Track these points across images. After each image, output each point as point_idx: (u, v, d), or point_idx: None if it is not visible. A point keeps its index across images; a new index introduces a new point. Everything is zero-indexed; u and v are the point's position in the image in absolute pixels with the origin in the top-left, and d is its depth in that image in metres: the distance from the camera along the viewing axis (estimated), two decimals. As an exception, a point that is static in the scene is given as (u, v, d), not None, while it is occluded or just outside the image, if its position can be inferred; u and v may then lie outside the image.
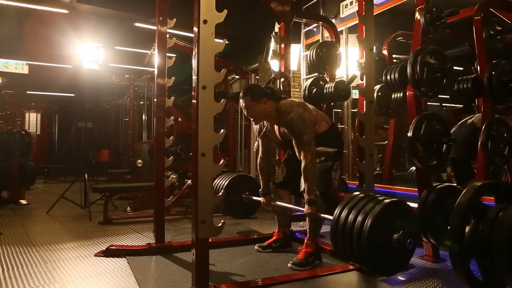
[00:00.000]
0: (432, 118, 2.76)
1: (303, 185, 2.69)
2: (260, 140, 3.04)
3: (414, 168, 4.14)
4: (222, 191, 2.10)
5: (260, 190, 3.08)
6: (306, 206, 2.58)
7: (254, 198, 3.16)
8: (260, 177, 3.10)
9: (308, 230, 2.78)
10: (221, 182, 3.34)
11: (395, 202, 2.16)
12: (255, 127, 3.01)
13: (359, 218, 2.07)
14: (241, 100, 2.74)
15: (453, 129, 3.65)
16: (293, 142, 2.64)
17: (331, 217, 2.30)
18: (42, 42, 6.64)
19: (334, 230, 2.21)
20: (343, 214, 2.18)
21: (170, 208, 4.70)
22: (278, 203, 2.94)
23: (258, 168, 3.10)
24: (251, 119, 2.80)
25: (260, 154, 3.08)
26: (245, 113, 2.78)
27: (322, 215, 2.52)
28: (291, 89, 4.00)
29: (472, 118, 3.52)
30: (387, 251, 2.07)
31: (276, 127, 2.80)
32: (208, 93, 1.98)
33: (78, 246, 3.30)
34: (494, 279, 1.75)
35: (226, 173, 3.44)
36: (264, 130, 2.94)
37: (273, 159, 3.28)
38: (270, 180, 3.07)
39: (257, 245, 3.12)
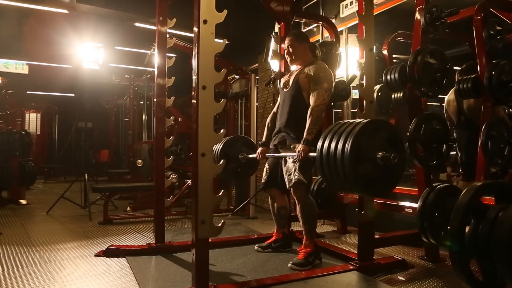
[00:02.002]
0: (432, 118, 2.76)
1: (292, 180, 2.72)
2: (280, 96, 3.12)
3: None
4: (223, 160, 2.07)
5: (260, 142, 3.10)
6: (301, 145, 2.59)
7: (251, 156, 3.15)
8: (265, 130, 3.13)
9: (304, 232, 2.78)
10: (218, 146, 3.31)
11: (373, 121, 2.15)
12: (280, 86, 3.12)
13: (340, 143, 2.02)
14: (286, 39, 2.97)
15: (455, 133, 3.63)
16: (312, 87, 2.73)
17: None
18: (42, 42, 6.63)
19: (319, 160, 2.16)
20: (326, 142, 2.12)
21: (170, 208, 4.71)
22: (270, 154, 2.95)
23: (267, 121, 3.14)
24: (287, 58, 2.96)
25: (274, 109, 3.14)
26: (286, 51, 2.94)
27: (311, 154, 2.52)
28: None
29: (463, 114, 3.50)
30: (374, 171, 2.03)
31: (295, 74, 2.88)
32: (208, 93, 1.98)
33: (78, 246, 3.30)
34: (494, 279, 1.75)
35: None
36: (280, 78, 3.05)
37: None
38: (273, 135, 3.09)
39: (257, 245, 3.13)
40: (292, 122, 2.80)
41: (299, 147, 2.58)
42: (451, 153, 3.30)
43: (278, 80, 3.13)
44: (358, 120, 2.11)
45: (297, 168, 2.69)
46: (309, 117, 2.64)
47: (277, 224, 3.13)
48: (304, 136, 2.60)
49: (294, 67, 3.02)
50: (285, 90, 2.95)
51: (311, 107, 2.67)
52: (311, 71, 2.77)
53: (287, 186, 2.78)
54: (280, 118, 2.95)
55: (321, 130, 2.80)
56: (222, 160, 2.07)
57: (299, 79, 2.81)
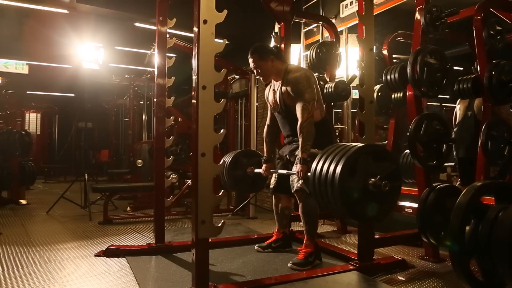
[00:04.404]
0: (432, 118, 2.76)
1: (294, 187, 2.70)
2: (269, 107, 3.07)
3: (407, 151, 4.14)
4: (222, 191, 2.08)
5: (262, 157, 3.06)
6: (297, 165, 2.56)
7: (257, 170, 3.09)
8: (264, 145, 3.10)
9: (305, 231, 2.78)
10: (226, 158, 3.31)
11: (368, 146, 2.11)
12: (265, 97, 3.05)
13: (332, 166, 1.99)
14: (249, 59, 2.83)
15: (457, 128, 3.65)
16: (295, 102, 2.65)
17: None
18: (42, 42, 6.64)
19: (312, 182, 2.14)
20: (319, 165, 2.09)
21: (170, 208, 4.70)
22: (274, 171, 2.93)
23: (264, 136, 3.11)
24: (261, 78, 2.88)
25: (267, 122, 3.10)
26: (256, 73, 2.85)
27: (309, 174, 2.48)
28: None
29: (472, 110, 3.51)
30: (365, 197, 1.98)
31: (278, 87, 2.82)
32: (208, 93, 1.98)
33: (78, 246, 3.30)
34: (494, 279, 1.75)
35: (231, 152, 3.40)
36: (268, 96, 2.97)
37: (278, 129, 3.26)
38: (274, 150, 3.08)
39: (257, 245, 3.12)
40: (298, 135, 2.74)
41: (298, 167, 2.55)
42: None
43: (266, 95, 3.05)
44: (348, 147, 2.06)
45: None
46: (300, 134, 2.59)
47: (278, 224, 3.13)
48: (300, 155, 2.56)
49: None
50: (276, 112, 2.92)
51: (299, 123, 2.60)
52: (289, 87, 2.70)
53: (292, 190, 2.77)
54: (284, 132, 2.94)
55: (323, 135, 2.76)
56: (222, 161, 2.07)
57: (284, 100, 2.76)
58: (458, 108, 3.70)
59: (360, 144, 2.09)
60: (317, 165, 2.12)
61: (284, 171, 2.80)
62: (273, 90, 2.90)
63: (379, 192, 1.96)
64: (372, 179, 1.97)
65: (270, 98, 2.94)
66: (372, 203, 2.02)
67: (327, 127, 2.92)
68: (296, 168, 2.58)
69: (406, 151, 4.29)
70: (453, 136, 3.22)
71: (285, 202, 3.04)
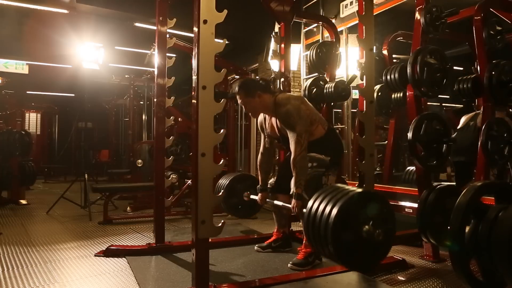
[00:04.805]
0: (432, 118, 2.76)
1: (292, 188, 2.67)
2: (262, 136, 3.05)
3: (411, 168, 4.13)
4: (222, 191, 2.08)
5: (258, 186, 3.04)
6: (292, 200, 2.55)
7: (253, 197, 3.11)
8: (259, 174, 3.08)
9: (304, 231, 2.77)
10: (222, 181, 3.33)
11: (364, 193, 2.07)
12: (259, 126, 3.04)
13: (326, 211, 1.97)
14: (236, 96, 2.82)
15: (456, 133, 3.64)
16: (289, 135, 2.63)
17: None
18: (42, 42, 6.63)
19: (306, 224, 2.12)
20: (314, 206, 2.08)
21: (170, 208, 4.70)
22: (270, 201, 2.91)
23: (257, 164, 3.09)
24: (249, 113, 2.86)
25: (261, 150, 3.07)
26: (244, 109, 2.83)
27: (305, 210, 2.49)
28: (291, 89, 4.00)
29: (474, 121, 3.52)
30: (358, 244, 1.96)
31: (274, 120, 2.82)
32: (208, 93, 1.98)
33: (78, 246, 3.31)
34: (494, 279, 1.75)
35: (225, 174, 3.41)
36: (263, 125, 2.96)
37: (273, 157, 3.25)
38: (269, 177, 3.05)
39: (256, 245, 3.12)
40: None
41: (292, 202, 2.54)
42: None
43: (260, 123, 3.03)
44: (343, 192, 2.03)
45: None
46: (293, 169, 2.55)
47: (277, 224, 3.13)
48: (294, 190, 2.54)
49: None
50: (279, 143, 2.93)
51: (292, 158, 2.57)
52: (280, 121, 2.68)
53: (291, 192, 2.76)
54: None
55: (331, 143, 2.77)
56: (222, 160, 2.07)
57: (283, 133, 2.74)
58: (463, 120, 3.70)
59: (351, 192, 2.02)
60: (309, 214, 2.09)
61: (280, 203, 2.76)
62: (270, 122, 2.88)
63: (373, 240, 1.94)
64: (366, 227, 1.93)
65: (268, 130, 2.92)
66: (367, 251, 1.99)
67: (333, 135, 2.90)
68: (291, 203, 2.56)
69: (408, 168, 4.29)
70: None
71: (283, 201, 3.03)
